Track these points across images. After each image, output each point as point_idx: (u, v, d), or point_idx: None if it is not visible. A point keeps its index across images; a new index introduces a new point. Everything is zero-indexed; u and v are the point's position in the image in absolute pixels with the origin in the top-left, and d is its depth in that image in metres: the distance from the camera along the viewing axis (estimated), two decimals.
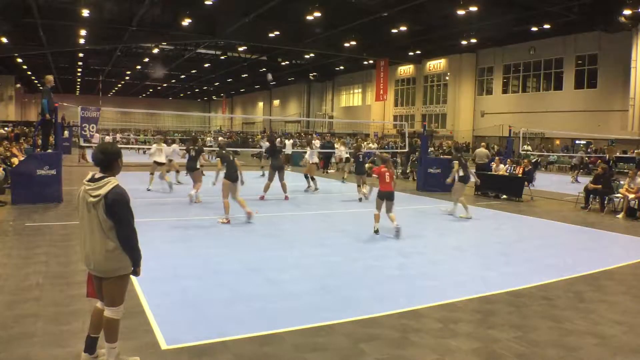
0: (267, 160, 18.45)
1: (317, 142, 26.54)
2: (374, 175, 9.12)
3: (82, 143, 16.36)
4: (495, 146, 28.19)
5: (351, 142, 28.23)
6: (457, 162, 11.10)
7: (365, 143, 26.60)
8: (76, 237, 6.96)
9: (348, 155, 19.84)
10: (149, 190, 13.27)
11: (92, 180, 3.39)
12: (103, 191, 3.31)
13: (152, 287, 5.35)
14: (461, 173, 10.95)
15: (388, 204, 8.63)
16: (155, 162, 13.73)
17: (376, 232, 8.60)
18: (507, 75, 35.67)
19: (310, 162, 15.41)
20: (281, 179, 12.58)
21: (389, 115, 44.00)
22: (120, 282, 3.48)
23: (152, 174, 13.79)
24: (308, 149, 16.95)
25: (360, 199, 12.98)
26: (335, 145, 22.94)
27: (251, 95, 72.88)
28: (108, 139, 28.28)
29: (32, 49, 34.73)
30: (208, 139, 34.92)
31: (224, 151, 9.88)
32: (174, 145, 15.12)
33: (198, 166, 12.10)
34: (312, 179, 14.61)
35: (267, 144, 16.06)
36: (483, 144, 20.44)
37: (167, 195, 12.92)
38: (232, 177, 9.20)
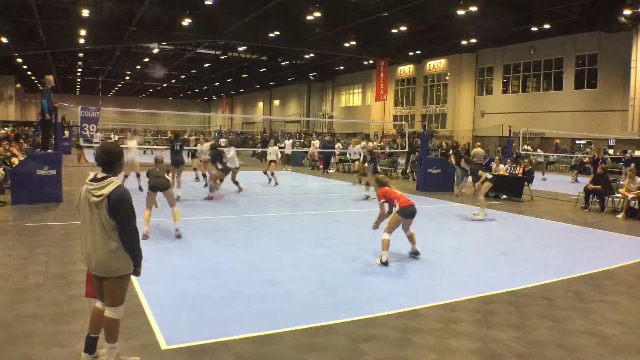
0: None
1: (316, 142, 26.61)
2: (380, 200, 7.12)
3: (81, 143, 16.36)
4: (499, 148, 28.19)
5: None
6: (484, 173, 11.10)
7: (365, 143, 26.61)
8: (76, 237, 6.97)
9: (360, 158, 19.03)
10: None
11: (95, 180, 3.40)
12: (106, 191, 3.32)
13: (152, 287, 5.35)
14: (489, 176, 10.97)
15: (408, 223, 7.04)
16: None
17: (385, 263, 6.64)
18: (507, 75, 35.65)
19: (269, 160, 16.58)
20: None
21: (389, 115, 43.98)
22: (121, 282, 3.49)
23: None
24: (269, 148, 17.47)
25: (367, 197, 13.27)
26: (350, 146, 23.14)
27: (251, 95, 72.84)
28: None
29: (32, 49, 34.68)
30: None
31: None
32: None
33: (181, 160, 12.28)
34: (272, 174, 15.92)
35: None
36: (478, 143, 20.53)
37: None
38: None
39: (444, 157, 17.58)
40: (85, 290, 3.77)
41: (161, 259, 6.49)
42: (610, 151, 26.93)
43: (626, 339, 4.51)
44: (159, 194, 8.02)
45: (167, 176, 8.25)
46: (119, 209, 3.32)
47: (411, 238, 7.13)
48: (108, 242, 3.36)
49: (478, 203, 10.93)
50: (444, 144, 30.41)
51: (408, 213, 6.84)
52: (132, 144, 13.47)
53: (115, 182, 3.38)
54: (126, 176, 12.67)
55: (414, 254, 7.18)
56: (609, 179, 12.98)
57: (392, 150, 24.30)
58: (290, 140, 29.15)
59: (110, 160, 3.44)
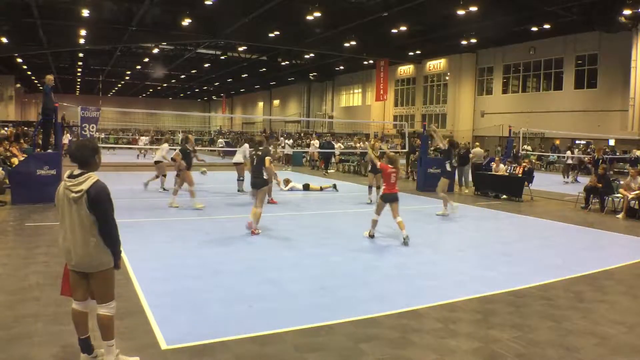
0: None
1: (316, 142, 26.61)
2: (379, 168, 8.69)
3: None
4: (499, 148, 28.35)
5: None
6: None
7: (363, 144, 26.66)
8: None
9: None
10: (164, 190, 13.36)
11: (72, 176, 3.42)
12: (85, 186, 3.34)
13: (152, 287, 5.36)
14: (448, 168, 10.95)
15: (394, 207, 8.08)
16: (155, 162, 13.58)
17: (372, 236, 8.29)
18: (507, 75, 35.67)
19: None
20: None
21: (389, 115, 43.98)
22: (106, 277, 3.50)
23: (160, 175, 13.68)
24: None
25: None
26: (358, 145, 23.26)
27: (251, 95, 72.88)
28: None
29: (32, 49, 34.73)
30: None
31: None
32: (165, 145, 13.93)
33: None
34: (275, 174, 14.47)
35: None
36: (477, 143, 20.53)
37: (167, 195, 12.89)
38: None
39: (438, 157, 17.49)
40: (60, 289, 3.72)
41: (161, 259, 6.48)
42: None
43: (626, 339, 4.51)
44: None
45: (265, 172, 8.24)
46: (99, 203, 3.35)
47: (400, 224, 7.98)
48: (88, 237, 3.38)
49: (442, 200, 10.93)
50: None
51: (386, 199, 8.08)
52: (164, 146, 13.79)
53: (93, 177, 3.40)
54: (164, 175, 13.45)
55: (404, 239, 7.85)
56: (609, 179, 12.98)
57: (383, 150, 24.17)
58: (290, 141, 29.18)
59: (84, 156, 3.46)
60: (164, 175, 13.64)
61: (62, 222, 3.48)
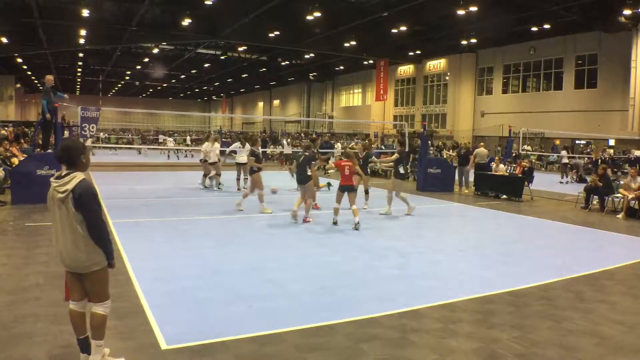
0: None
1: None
2: (334, 167, 9.90)
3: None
4: (499, 148, 28.38)
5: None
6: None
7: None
8: None
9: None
10: (206, 187, 14.04)
11: (59, 177, 3.44)
12: (70, 186, 3.35)
13: (152, 287, 5.36)
14: (401, 171, 11.03)
15: (350, 197, 9.13)
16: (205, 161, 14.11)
17: (335, 223, 9.18)
18: (507, 75, 35.65)
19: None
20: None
21: (389, 115, 43.97)
22: (100, 277, 3.50)
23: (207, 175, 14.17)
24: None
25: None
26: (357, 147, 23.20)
27: (251, 95, 72.86)
28: None
29: (32, 49, 34.72)
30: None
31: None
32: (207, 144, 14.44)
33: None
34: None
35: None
36: (482, 143, 20.46)
37: (167, 195, 12.91)
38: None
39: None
40: (64, 294, 3.74)
41: (161, 259, 6.47)
42: (610, 151, 26.96)
43: (626, 339, 4.51)
44: None
45: (309, 169, 9.49)
46: (84, 202, 3.35)
47: (354, 212, 9.06)
48: (78, 238, 3.38)
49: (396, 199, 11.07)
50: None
51: (343, 189, 9.18)
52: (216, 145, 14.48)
53: (78, 177, 3.40)
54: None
55: (355, 225, 8.88)
56: (609, 179, 12.98)
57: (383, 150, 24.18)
58: (289, 139, 29.20)
59: (69, 156, 3.47)
60: (207, 175, 14.30)
61: (54, 224, 3.49)
